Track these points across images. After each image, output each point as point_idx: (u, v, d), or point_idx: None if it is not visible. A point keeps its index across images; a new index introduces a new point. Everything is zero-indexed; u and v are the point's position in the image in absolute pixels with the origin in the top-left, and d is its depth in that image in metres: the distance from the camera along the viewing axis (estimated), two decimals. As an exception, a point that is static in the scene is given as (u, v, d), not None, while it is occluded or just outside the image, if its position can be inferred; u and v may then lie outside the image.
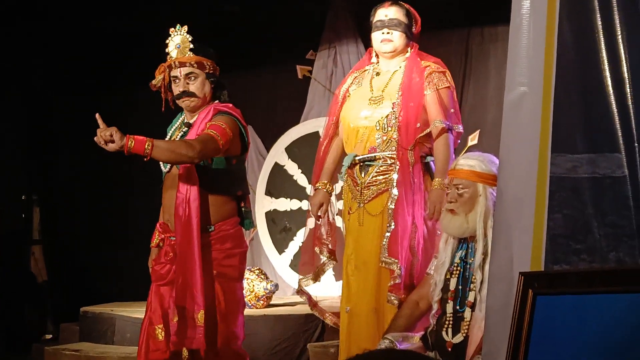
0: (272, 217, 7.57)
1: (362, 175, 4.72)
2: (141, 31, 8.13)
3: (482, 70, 6.88)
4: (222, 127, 4.43)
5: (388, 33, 4.73)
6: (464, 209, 3.92)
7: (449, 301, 3.89)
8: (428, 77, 4.69)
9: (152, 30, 8.07)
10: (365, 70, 4.91)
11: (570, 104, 2.99)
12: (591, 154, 2.94)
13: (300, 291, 5.04)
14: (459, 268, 3.95)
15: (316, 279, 5.00)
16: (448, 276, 3.96)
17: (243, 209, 4.60)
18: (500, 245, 3.16)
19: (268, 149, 7.77)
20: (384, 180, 4.66)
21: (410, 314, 4.10)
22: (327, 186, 4.93)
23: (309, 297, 5.06)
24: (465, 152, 4.24)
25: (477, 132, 6.70)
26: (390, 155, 4.64)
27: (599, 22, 2.92)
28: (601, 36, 2.93)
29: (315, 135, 7.39)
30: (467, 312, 3.85)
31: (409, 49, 4.79)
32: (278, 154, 7.58)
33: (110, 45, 8.29)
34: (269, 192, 7.61)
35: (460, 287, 3.90)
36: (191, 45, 4.69)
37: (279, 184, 7.58)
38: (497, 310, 3.11)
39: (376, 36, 4.78)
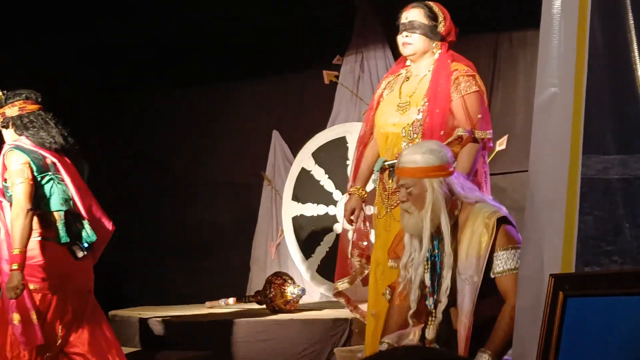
0: (299, 222, 7.57)
1: (390, 181, 4.71)
2: (163, 36, 8.18)
3: (510, 75, 6.85)
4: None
5: (407, 36, 4.70)
6: (416, 207, 3.83)
7: (429, 297, 3.86)
8: (455, 81, 4.64)
9: (180, 35, 8.15)
10: (399, 75, 4.88)
11: (602, 104, 2.97)
12: (623, 155, 2.92)
13: (337, 294, 5.04)
14: (428, 263, 3.90)
15: (352, 282, 5.01)
16: (422, 272, 3.90)
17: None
18: (531, 247, 3.14)
19: (295, 154, 7.78)
20: None
21: (399, 311, 4.05)
22: (360, 191, 4.93)
23: (348, 299, 5.07)
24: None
25: (505, 137, 6.73)
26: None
27: (631, 22, 2.90)
28: (633, 36, 2.90)
29: (342, 140, 7.39)
30: (435, 308, 3.83)
31: (436, 50, 4.77)
32: (305, 159, 7.58)
33: (142, 51, 8.34)
34: (296, 197, 7.60)
35: (433, 282, 3.85)
36: None
37: (306, 189, 7.57)
38: (528, 312, 3.10)
39: (399, 40, 4.77)
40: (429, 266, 3.87)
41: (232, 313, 6.46)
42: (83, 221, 5.05)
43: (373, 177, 4.91)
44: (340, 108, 7.73)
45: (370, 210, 5.09)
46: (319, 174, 7.50)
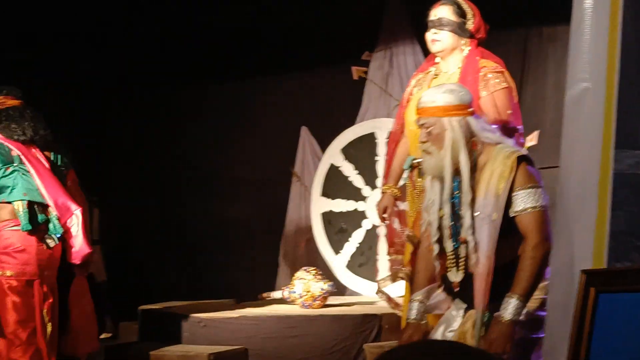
0: (328, 218, 7.57)
1: (419, 179, 4.71)
2: (192, 31, 8.21)
3: (540, 71, 6.82)
4: None
5: (435, 33, 4.70)
6: (436, 147, 3.79)
7: (448, 239, 3.85)
8: (483, 78, 4.63)
9: (209, 31, 8.18)
10: (428, 72, 4.88)
11: (634, 99, 2.96)
12: (655, 150, 2.91)
13: (379, 291, 5.07)
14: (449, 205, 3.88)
15: (394, 280, 5.02)
16: (441, 214, 3.87)
17: None
18: (562, 242, 3.14)
19: (324, 150, 7.78)
20: None
21: (425, 265, 4.04)
22: (393, 189, 4.93)
23: (389, 298, 5.09)
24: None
25: (536, 132, 6.69)
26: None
27: (664, 16, 2.90)
28: (666, 30, 2.90)
29: (370, 136, 7.39)
30: (462, 249, 3.79)
31: (464, 46, 4.75)
32: (334, 155, 7.58)
33: (173, 46, 8.38)
34: (325, 193, 7.61)
35: (453, 223, 3.83)
36: None
37: (335, 185, 7.57)
38: (559, 308, 3.09)
39: (427, 37, 4.77)
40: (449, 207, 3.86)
41: (262, 309, 6.48)
42: (51, 213, 5.24)
43: (404, 175, 4.91)
44: (369, 104, 7.73)
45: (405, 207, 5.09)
46: (348, 169, 7.50)
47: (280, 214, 8.13)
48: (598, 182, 3.02)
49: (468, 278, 3.77)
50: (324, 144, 7.86)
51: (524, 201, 3.65)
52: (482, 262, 3.67)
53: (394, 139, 4.99)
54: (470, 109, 3.81)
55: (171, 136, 8.80)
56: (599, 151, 3.02)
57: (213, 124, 8.61)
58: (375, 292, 5.25)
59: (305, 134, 8.06)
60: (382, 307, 5.24)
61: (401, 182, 4.96)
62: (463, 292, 3.84)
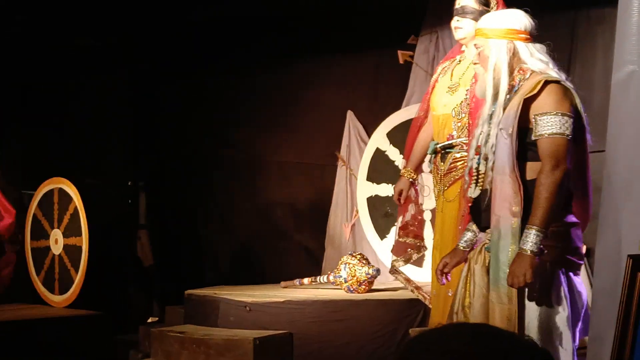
0: (374, 202, 7.57)
1: (442, 162, 4.79)
2: (239, 15, 8.21)
3: (588, 54, 6.73)
4: None
5: (458, 21, 4.82)
6: (484, 67, 3.87)
7: (475, 156, 3.86)
8: None
9: (256, 15, 8.19)
10: (454, 60, 4.99)
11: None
12: (703, 133, 2.87)
13: (395, 271, 5.16)
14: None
15: (407, 261, 5.14)
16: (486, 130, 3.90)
17: None
18: (608, 227, 3.11)
19: (369, 134, 7.77)
20: (461, 166, 4.70)
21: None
22: (410, 173, 5.05)
23: (408, 279, 5.16)
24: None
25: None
26: (465, 142, 4.66)
27: None
28: None
29: (417, 120, 7.36)
30: (482, 165, 3.81)
31: None
32: (380, 139, 7.57)
33: (220, 30, 8.40)
34: (370, 178, 7.60)
35: (485, 142, 3.84)
36: None
37: (381, 169, 7.56)
38: (605, 293, 3.06)
39: (452, 24, 4.88)
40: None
41: (307, 293, 6.49)
42: None
43: (428, 159, 4.99)
44: (414, 88, 7.70)
45: (426, 191, 5.21)
46: (394, 154, 7.49)
47: (326, 198, 8.13)
48: (645, 166, 2.98)
49: (481, 194, 3.81)
50: (369, 128, 7.84)
51: (548, 126, 3.62)
52: (505, 180, 3.65)
53: (416, 124, 5.13)
54: (522, 35, 3.79)
55: (217, 120, 8.84)
56: (646, 135, 2.98)
57: (259, 108, 8.63)
58: (389, 271, 5.32)
59: (351, 118, 8.04)
60: (428, 291, 5.25)
61: (426, 167, 5.05)
62: (476, 207, 3.87)
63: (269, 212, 8.57)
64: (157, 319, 8.17)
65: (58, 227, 7.41)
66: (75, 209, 7.24)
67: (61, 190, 7.41)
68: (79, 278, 7.17)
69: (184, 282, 7.55)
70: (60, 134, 8.64)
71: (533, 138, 3.67)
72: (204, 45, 8.61)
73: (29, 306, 7.39)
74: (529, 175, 3.67)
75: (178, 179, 9.11)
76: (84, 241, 7.14)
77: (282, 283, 6.89)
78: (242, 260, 8.65)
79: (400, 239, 5.22)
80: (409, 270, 5.45)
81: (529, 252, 3.55)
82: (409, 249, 5.18)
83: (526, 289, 3.63)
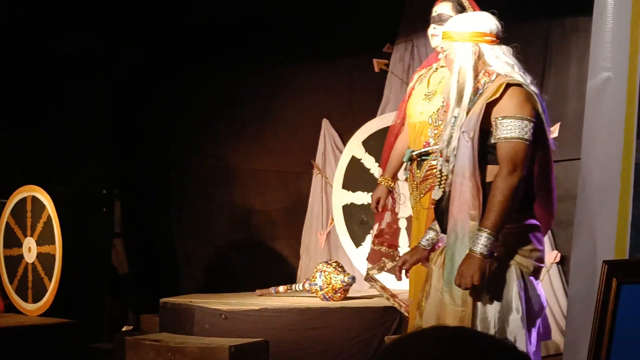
0: (349, 210, 7.57)
1: (418, 170, 4.80)
2: (211, 25, 8.19)
3: (562, 62, 6.77)
4: None
5: (434, 28, 4.84)
6: (450, 70, 3.88)
7: (439, 159, 3.89)
8: None
9: (231, 22, 8.18)
10: (430, 68, 5.01)
11: (657, 88, 2.94)
12: (678, 139, 2.88)
13: (371, 279, 5.15)
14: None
15: (381, 270, 5.14)
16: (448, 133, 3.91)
17: None
18: (583, 233, 3.12)
19: (345, 142, 7.78)
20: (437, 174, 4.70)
21: None
22: (388, 181, 5.05)
23: (385, 288, 5.16)
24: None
25: (557, 124, 6.65)
26: (441, 149, 4.67)
27: (687, 4, 2.87)
28: (689, 18, 2.87)
29: (392, 128, 7.37)
30: (444, 167, 3.82)
31: None
32: (355, 147, 7.58)
33: (193, 36, 8.38)
34: (346, 186, 7.61)
35: (448, 144, 3.85)
36: None
37: (356, 177, 7.57)
38: (580, 299, 3.07)
39: (429, 32, 4.91)
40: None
41: (283, 301, 6.48)
42: None
43: (403, 167, 5.00)
44: (390, 96, 7.71)
45: (402, 199, 5.21)
46: (369, 162, 7.49)
47: (301, 206, 8.13)
48: (620, 172, 2.99)
49: (442, 197, 3.81)
50: (345, 136, 7.85)
51: (508, 129, 3.60)
52: (465, 184, 3.65)
53: (393, 132, 5.13)
54: (488, 37, 3.80)
55: (193, 128, 8.81)
56: (621, 141, 3.00)
57: (235, 116, 8.61)
58: (365, 279, 5.33)
59: (326, 126, 8.04)
60: (404, 299, 5.25)
61: (402, 175, 5.06)
62: (439, 209, 3.87)
63: (245, 220, 8.55)
64: (132, 327, 8.12)
65: (31, 235, 7.36)
66: (49, 217, 7.19)
67: (34, 198, 7.37)
68: (52, 286, 7.12)
69: (159, 291, 7.51)
70: (34, 141, 8.58)
71: (493, 141, 3.66)
72: (179, 52, 8.58)
73: (1, 314, 7.34)
74: (489, 179, 3.66)
75: (153, 187, 9.07)
76: (58, 249, 7.09)
77: (258, 291, 6.88)
78: (217, 268, 8.62)
79: (375, 247, 5.21)
80: (385, 278, 5.45)
81: (478, 254, 3.54)
82: (383, 257, 5.17)
83: (485, 292, 3.63)
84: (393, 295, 5.31)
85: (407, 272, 4.14)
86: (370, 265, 5.24)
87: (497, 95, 3.63)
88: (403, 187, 5.41)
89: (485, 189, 3.61)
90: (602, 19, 3.06)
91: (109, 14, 7.97)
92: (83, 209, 7.87)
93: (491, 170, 3.65)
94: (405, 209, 6.11)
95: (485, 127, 3.66)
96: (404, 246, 5.37)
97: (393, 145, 5.10)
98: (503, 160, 3.60)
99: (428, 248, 4.05)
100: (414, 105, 4.94)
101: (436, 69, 4.95)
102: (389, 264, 5.21)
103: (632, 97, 2.93)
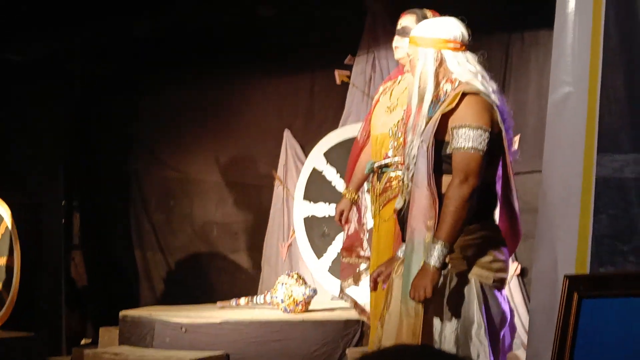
0: (311, 222, 7.55)
1: (378, 182, 4.81)
2: (170, 35, 8.15)
3: (522, 75, 6.81)
4: None
5: (398, 40, 4.87)
6: (413, 75, 3.88)
7: (401, 167, 3.90)
8: None
9: (192, 33, 8.14)
10: (395, 80, 5.01)
11: (617, 103, 2.96)
12: (637, 153, 2.90)
13: (343, 294, 5.13)
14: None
15: (357, 281, 5.10)
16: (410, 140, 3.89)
17: None
18: (544, 247, 3.12)
19: (306, 154, 7.77)
20: (396, 186, 4.71)
21: None
22: (352, 194, 5.05)
23: (356, 303, 5.14)
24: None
25: (517, 137, 6.69)
26: (401, 161, 4.67)
27: (646, 20, 2.89)
28: (648, 34, 2.90)
29: (353, 140, 7.34)
30: (405, 176, 3.81)
31: None
32: (316, 159, 7.57)
33: (152, 47, 8.33)
34: (307, 198, 7.59)
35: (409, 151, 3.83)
36: None
37: (318, 189, 7.56)
38: (541, 314, 3.08)
39: (393, 44, 4.93)
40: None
41: (244, 313, 6.45)
42: None
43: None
44: (351, 108, 7.71)
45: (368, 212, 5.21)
46: (331, 174, 7.49)
47: (263, 218, 8.10)
48: (581, 186, 3.01)
49: (403, 205, 3.80)
50: (306, 148, 7.84)
51: (462, 139, 3.58)
52: (423, 193, 3.63)
53: (357, 146, 5.14)
54: (451, 44, 3.79)
55: (153, 140, 8.76)
56: (581, 155, 3.01)
57: (196, 127, 8.57)
58: (338, 294, 5.31)
59: (287, 137, 8.03)
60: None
61: (366, 186, 5.07)
62: (401, 218, 3.84)
63: (206, 231, 8.51)
64: (90, 340, 8.04)
65: (-11, 247, 7.28)
66: (7, 229, 7.11)
67: (-8, 210, 7.29)
68: (10, 299, 7.04)
69: (119, 303, 7.44)
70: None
71: (448, 151, 3.64)
72: (139, 62, 8.53)
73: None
74: (445, 189, 3.63)
75: (113, 199, 9.00)
76: (16, 261, 7.02)
77: (219, 303, 6.84)
78: (178, 280, 8.57)
79: (344, 260, 5.19)
80: (357, 292, 5.39)
81: (431, 265, 3.52)
82: (356, 269, 5.14)
83: (444, 305, 3.62)
84: (363, 311, 5.28)
85: (383, 282, 4.10)
86: (346, 281, 5.20)
87: (453, 105, 3.62)
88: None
89: (441, 199, 3.60)
90: (562, 34, 3.08)
91: (66, 24, 7.90)
92: (41, 221, 7.80)
93: (447, 180, 3.63)
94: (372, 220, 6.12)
95: (442, 137, 3.65)
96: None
97: (358, 157, 5.10)
98: (456, 170, 3.59)
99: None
100: (377, 118, 4.95)
101: (400, 81, 4.96)
102: (364, 275, 5.18)
103: (593, 111, 2.95)
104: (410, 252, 3.62)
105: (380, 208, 4.83)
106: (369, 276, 5.08)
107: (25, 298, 7.05)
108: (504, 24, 6.88)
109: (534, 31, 6.70)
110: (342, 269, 5.26)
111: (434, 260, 3.52)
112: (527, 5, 6.58)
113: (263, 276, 7.99)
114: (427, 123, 3.71)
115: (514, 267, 6.40)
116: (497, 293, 3.66)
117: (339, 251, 7.29)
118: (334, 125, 7.70)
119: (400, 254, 3.95)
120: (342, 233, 7.27)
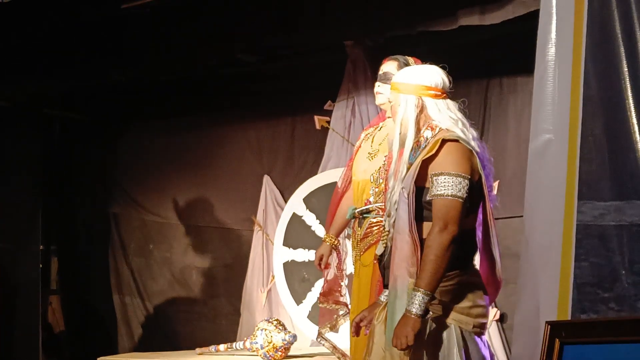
0: (290, 267, 7.53)
1: (359, 227, 4.82)
2: (150, 81, 8.16)
3: (501, 121, 6.86)
4: None
5: (379, 86, 4.92)
6: (394, 121, 3.88)
7: (381, 212, 3.89)
8: None
9: (172, 79, 8.15)
10: (377, 127, 5.03)
11: (597, 151, 2.98)
12: (618, 201, 2.92)
13: (321, 338, 5.11)
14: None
15: (333, 328, 5.10)
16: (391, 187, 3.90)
17: None
18: (526, 293, 3.14)
19: (286, 199, 7.76)
20: (377, 231, 4.72)
21: None
22: (332, 239, 5.07)
23: (335, 347, 5.13)
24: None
25: (496, 183, 6.72)
26: (382, 207, 4.69)
27: (626, 70, 2.92)
28: (628, 84, 2.93)
29: (333, 185, 7.32)
30: (386, 222, 3.80)
31: None
32: (296, 204, 7.57)
33: (131, 92, 8.34)
34: (287, 243, 7.58)
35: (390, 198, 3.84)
36: None
37: (297, 234, 7.55)
38: (524, 359, 3.08)
39: (374, 89, 4.97)
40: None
41: (223, 360, 6.42)
42: None
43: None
44: (331, 153, 7.73)
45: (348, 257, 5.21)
46: (311, 219, 7.48)
47: (242, 263, 8.07)
48: (562, 232, 3.02)
49: (384, 252, 3.80)
50: (286, 193, 7.84)
51: (442, 186, 3.59)
52: (404, 239, 3.63)
53: (338, 192, 5.16)
54: (432, 91, 3.81)
55: (132, 184, 8.74)
56: (562, 202, 3.03)
57: (175, 172, 8.57)
58: (316, 337, 5.30)
59: (267, 182, 8.03)
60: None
61: (347, 232, 5.08)
62: (382, 265, 3.84)
63: (185, 276, 8.47)
64: (67, 386, 7.97)
65: (-34, 292, 7.22)
66: (-16, 274, 7.06)
67: (-30, 255, 7.24)
68: (-14, 345, 6.97)
69: (97, 349, 7.37)
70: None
71: (428, 198, 3.65)
72: (117, 106, 8.54)
73: None
74: (426, 236, 3.63)
75: (91, 243, 8.96)
76: (-7, 306, 6.96)
77: (198, 349, 6.79)
78: (156, 326, 8.51)
79: (321, 305, 5.19)
80: (336, 337, 5.39)
81: (412, 314, 3.52)
82: (335, 315, 5.14)
83: (425, 349, 3.61)
84: (344, 355, 5.27)
85: (366, 328, 4.08)
86: (323, 326, 5.19)
87: (434, 151, 3.64)
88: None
89: (423, 246, 3.61)
90: (543, 82, 3.11)
91: (45, 70, 7.90)
92: (19, 265, 7.74)
93: (428, 227, 3.64)
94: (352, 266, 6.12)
95: (423, 184, 3.67)
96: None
97: (339, 203, 5.11)
98: (436, 217, 3.59)
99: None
100: (358, 163, 4.97)
101: (381, 127, 4.98)
102: (342, 321, 5.17)
103: (573, 159, 2.98)
104: (394, 299, 3.61)
105: (361, 254, 4.83)
106: (347, 322, 5.08)
107: (2, 343, 6.97)
108: (482, 70, 6.94)
109: (512, 77, 6.77)
110: (321, 315, 5.25)
111: (416, 308, 3.52)
112: (504, 51, 6.65)
113: (242, 322, 7.95)
114: (408, 169, 3.73)
115: (493, 313, 6.41)
116: (477, 339, 3.66)
117: (318, 296, 7.30)
118: (313, 170, 7.71)
119: (383, 298, 3.94)
120: (322, 279, 7.32)
